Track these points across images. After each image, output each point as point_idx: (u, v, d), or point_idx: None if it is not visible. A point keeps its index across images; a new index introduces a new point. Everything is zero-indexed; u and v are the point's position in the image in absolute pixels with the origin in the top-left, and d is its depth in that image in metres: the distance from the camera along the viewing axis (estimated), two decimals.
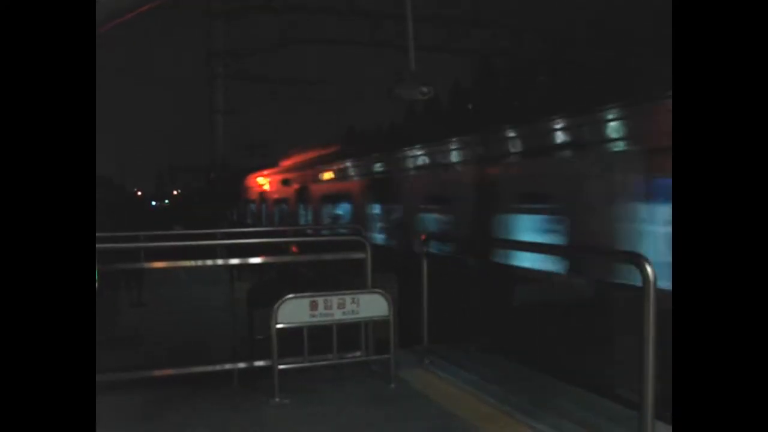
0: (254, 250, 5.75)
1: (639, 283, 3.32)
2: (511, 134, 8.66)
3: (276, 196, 21.53)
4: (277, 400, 4.62)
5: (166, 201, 54.60)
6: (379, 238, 12.85)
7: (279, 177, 20.81)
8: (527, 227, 7.99)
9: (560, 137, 7.61)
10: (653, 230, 5.75)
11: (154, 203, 51.68)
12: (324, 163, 16.47)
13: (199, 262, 5.37)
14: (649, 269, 3.27)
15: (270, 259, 5.74)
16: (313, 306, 4.75)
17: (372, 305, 4.91)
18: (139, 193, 56.53)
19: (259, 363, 5.10)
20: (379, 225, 13.27)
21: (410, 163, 11.62)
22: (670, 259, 1.99)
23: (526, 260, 7.11)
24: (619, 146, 6.44)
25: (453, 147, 10.07)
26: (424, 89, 7.06)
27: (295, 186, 18.54)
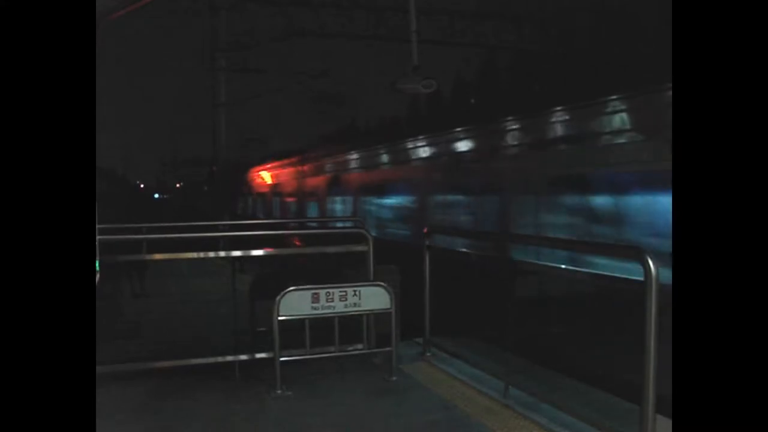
0: (257, 243, 5.75)
1: None
2: None
3: (278, 189, 21.54)
4: (278, 392, 4.64)
5: (165, 196, 54.44)
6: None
7: (281, 171, 20.83)
8: None
9: None
10: None
11: (156, 196, 51.66)
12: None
13: (202, 254, 5.37)
14: (650, 263, 3.27)
15: (272, 252, 5.75)
16: (315, 298, 4.77)
17: (374, 298, 4.92)
18: (142, 185, 56.48)
19: (261, 355, 5.11)
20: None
21: None
22: None
23: None
24: None
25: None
26: (427, 83, 7.06)
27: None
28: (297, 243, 8.61)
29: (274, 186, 22.40)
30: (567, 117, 8.04)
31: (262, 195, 24.48)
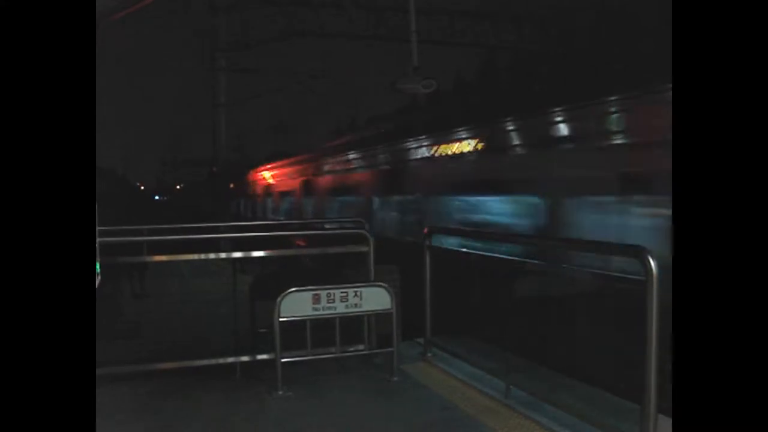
0: (257, 244, 5.76)
1: None
2: None
3: (278, 189, 21.57)
4: (280, 392, 4.64)
5: (165, 198, 54.28)
6: None
7: (281, 171, 20.86)
8: None
9: None
10: None
11: (156, 197, 51.56)
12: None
13: (202, 256, 5.38)
14: (651, 262, 3.27)
15: (273, 253, 5.76)
16: (316, 299, 4.77)
17: (374, 298, 4.92)
18: (142, 187, 56.33)
19: (262, 356, 5.11)
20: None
21: None
22: None
23: None
24: None
25: None
26: (426, 83, 7.06)
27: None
28: (298, 244, 8.62)
29: (273, 187, 22.43)
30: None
31: (260, 196, 24.49)
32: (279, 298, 4.67)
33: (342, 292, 4.83)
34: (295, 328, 4.77)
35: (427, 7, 17.14)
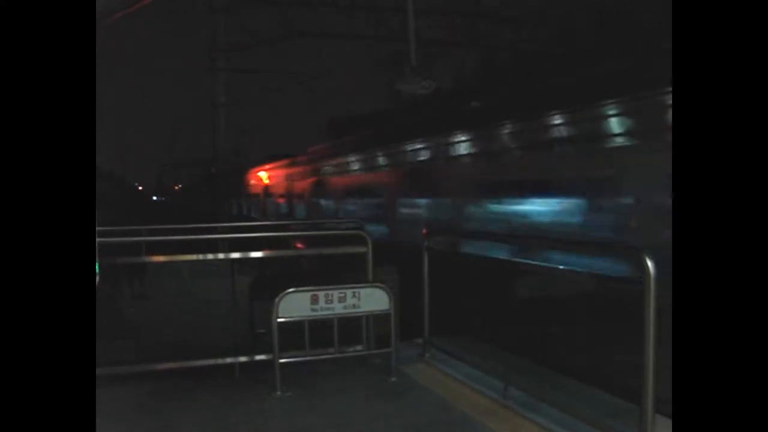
0: (256, 244, 5.75)
1: None
2: None
3: (277, 190, 21.58)
4: (278, 393, 4.64)
5: (163, 198, 54.12)
6: None
7: (281, 171, 20.85)
8: None
9: None
10: None
11: (155, 198, 51.49)
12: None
13: (200, 257, 5.37)
14: (649, 263, 3.27)
15: (271, 254, 5.75)
16: (314, 300, 4.77)
17: (373, 299, 4.91)
18: (140, 187, 56.23)
19: (261, 357, 5.11)
20: None
21: None
22: None
23: None
24: None
25: None
26: (425, 83, 7.05)
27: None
28: (297, 245, 8.61)
29: (274, 187, 22.43)
30: None
31: (259, 195, 24.50)
32: (277, 299, 4.67)
33: (340, 293, 4.83)
34: (294, 328, 4.77)
35: (427, 7, 17.15)
